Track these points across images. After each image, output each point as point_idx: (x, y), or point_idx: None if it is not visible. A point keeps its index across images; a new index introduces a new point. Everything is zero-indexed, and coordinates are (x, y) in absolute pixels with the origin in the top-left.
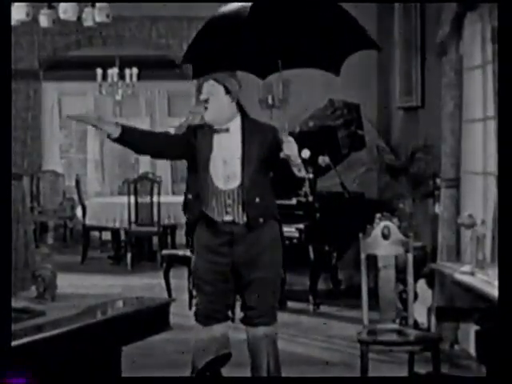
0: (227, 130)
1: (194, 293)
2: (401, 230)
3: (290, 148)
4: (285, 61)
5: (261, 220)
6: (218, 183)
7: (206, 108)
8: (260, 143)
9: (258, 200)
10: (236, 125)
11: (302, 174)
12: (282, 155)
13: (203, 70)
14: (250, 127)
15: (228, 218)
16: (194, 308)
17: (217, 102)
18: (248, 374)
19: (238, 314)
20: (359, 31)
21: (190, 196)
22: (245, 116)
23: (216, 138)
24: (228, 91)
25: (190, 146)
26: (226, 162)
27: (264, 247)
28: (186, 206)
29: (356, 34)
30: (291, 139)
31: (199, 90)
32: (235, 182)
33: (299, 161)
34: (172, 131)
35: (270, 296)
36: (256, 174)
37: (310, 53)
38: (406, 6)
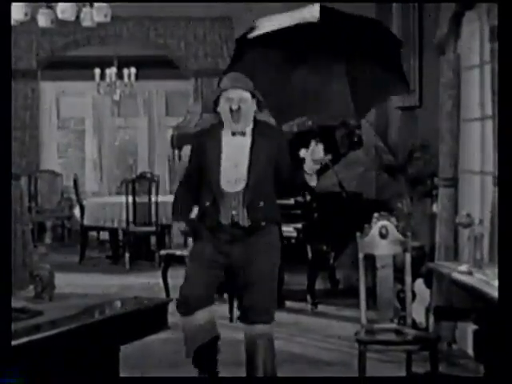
0: (243, 134)
1: None
2: (399, 230)
3: (315, 153)
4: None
5: (263, 224)
6: (224, 186)
7: (236, 117)
8: (268, 147)
9: (261, 204)
10: (249, 128)
11: (313, 183)
12: (301, 154)
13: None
14: (260, 130)
15: (233, 220)
16: None
17: (248, 110)
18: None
19: (236, 313)
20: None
21: (207, 203)
22: (256, 119)
23: (225, 140)
24: (254, 96)
25: (201, 159)
26: (237, 165)
27: (263, 249)
28: (204, 214)
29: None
30: (320, 146)
31: (216, 103)
32: (241, 185)
33: (315, 169)
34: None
35: (268, 295)
36: (261, 178)
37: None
38: (404, 6)
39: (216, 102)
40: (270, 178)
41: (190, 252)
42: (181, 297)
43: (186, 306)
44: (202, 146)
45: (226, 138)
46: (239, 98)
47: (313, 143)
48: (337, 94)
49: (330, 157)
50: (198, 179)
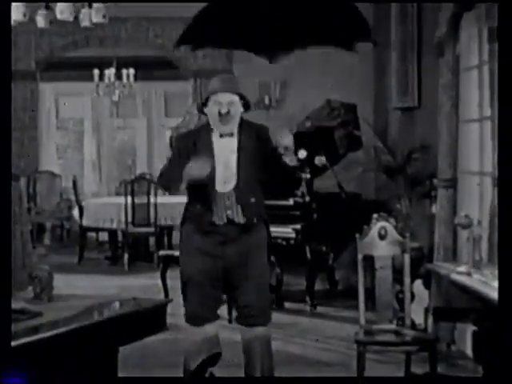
0: (232, 135)
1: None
2: (397, 231)
3: (285, 139)
4: (295, 40)
5: (255, 220)
6: (217, 186)
7: (225, 120)
8: (254, 144)
9: (253, 200)
10: (236, 128)
11: (292, 163)
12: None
13: (203, 43)
14: (246, 129)
15: (228, 219)
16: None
17: (236, 113)
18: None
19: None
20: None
21: (198, 205)
22: (241, 118)
23: (216, 141)
24: (241, 97)
25: (191, 158)
26: (226, 165)
27: (255, 248)
28: (195, 216)
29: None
30: (287, 131)
31: (205, 103)
32: (231, 184)
33: (290, 154)
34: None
35: (264, 296)
36: (250, 175)
37: (322, 31)
38: (402, 7)
39: (204, 104)
40: (257, 175)
41: (182, 260)
42: (188, 312)
43: (196, 320)
44: (193, 147)
45: (215, 139)
46: (228, 101)
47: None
48: (324, 24)
49: (324, 158)
50: (180, 180)
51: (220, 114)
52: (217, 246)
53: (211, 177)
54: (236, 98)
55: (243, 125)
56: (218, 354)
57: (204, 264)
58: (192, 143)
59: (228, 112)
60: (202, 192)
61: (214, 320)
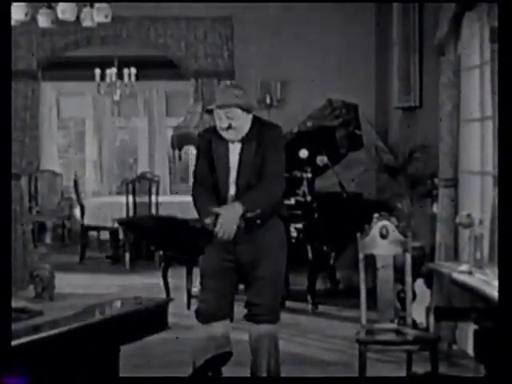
0: (242, 140)
1: (193, 292)
2: (399, 230)
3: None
4: None
5: (258, 221)
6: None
7: (227, 134)
8: (259, 148)
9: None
10: (243, 134)
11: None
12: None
13: None
14: (255, 132)
15: None
16: (192, 307)
17: (238, 125)
18: (248, 373)
19: (237, 313)
20: None
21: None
22: (253, 118)
23: (231, 146)
24: (244, 109)
25: (209, 157)
26: (233, 169)
27: (269, 246)
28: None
29: None
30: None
31: (210, 112)
32: (234, 188)
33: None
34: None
35: (274, 294)
36: (251, 180)
37: None
38: (404, 6)
39: (210, 112)
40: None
41: (201, 256)
42: (199, 308)
43: (204, 317)
44: (210, 146)
45: (231, 145)
46: (227, 116)
47: None
48: None
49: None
50: (211, 177)
51: (222, 128)
52: (229, 243)
53: (227, 177)
54: (236, 111)
55: (254, 127)
56: (228, 353)
57: (217, 259)
58: (209, 142)
59: (229, 126)
60: (219, 191)
61: (223, 319)
